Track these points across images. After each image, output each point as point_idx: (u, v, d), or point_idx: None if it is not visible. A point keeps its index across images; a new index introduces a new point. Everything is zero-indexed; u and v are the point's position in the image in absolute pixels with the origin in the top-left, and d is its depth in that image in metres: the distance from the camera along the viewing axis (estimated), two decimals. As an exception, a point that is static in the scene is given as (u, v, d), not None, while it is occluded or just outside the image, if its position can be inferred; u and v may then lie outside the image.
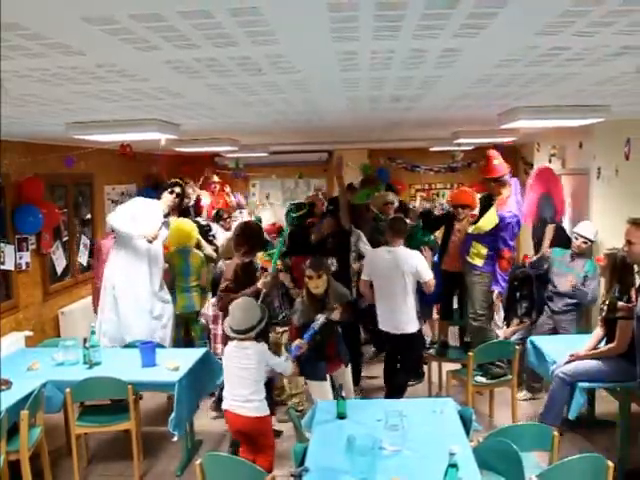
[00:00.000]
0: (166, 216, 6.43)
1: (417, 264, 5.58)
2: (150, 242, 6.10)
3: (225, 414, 4.32)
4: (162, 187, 6.59)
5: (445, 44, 2.54)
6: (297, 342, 4.55)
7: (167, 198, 6.44)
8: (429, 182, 12.40)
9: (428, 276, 5.58)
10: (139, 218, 6.11)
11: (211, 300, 6.08)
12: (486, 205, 6.04)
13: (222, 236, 7.58)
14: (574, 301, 6.08)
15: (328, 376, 4.93)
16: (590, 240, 6.13)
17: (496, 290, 5.89)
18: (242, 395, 4.16)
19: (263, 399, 4.25)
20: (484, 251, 5.93)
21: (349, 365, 5.14)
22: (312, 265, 4.81)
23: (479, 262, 5.96)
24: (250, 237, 5.22)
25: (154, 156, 9.67)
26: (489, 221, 5.87)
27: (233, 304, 4.34)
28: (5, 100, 3.48)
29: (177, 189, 6.49)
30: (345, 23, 2.14)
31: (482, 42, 2.48)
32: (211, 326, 6.18)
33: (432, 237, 7.19)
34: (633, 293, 4.44)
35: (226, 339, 4.78)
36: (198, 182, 9.93)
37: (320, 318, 4.61)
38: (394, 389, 5.83)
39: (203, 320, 6.34)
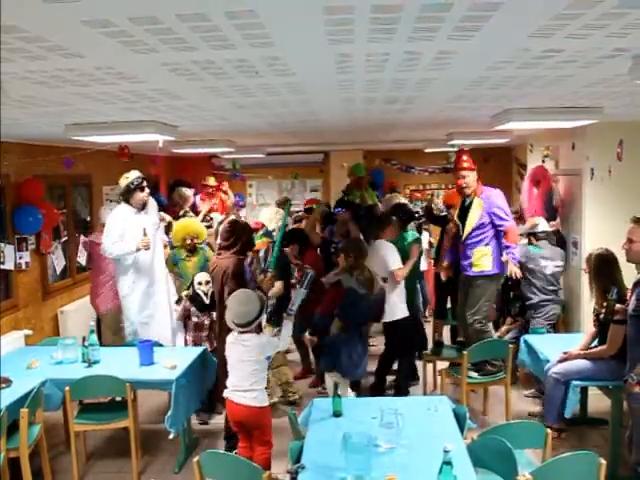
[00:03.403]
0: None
1: (384, 254, 5.96)
2: (147, 249, 6.07)
3: (226, 403, 4.41)
4: (128, 188, 6.20)
5: (439, 47, 2.57)
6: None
7: (140, 197, 6.20)
8: (424, 183, 12.47)
9: (394, 266, 5.96)
10: (126, 233, 6.08)
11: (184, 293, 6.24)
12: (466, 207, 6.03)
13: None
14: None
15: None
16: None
17: (509, 257, 5.66)
18: (242, 385, 4.27)
19: (263, 389, 4.36)
20: (487, 250, 5.78)
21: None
22: None
23: (488, 265, 5.77)
24: (241, 236, 5.21)
25: (152, 157, 9.69)
26: (474, 214, 5.82)
27: (232, 297, 4.38)
28: (5, 102, 3.51)
29: (145, 183, 6.26)
30: (340, 26, 2.17)
31: (476, 44, 2.52)
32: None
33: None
34: (628, 293, 4.46)
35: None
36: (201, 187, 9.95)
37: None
38: (396, 387, 6.04)
39: None
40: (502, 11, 2.02)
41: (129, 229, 6.08)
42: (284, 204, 8.44)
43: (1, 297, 6.37)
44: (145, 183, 6.27)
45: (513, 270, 5.64)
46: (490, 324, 6.01)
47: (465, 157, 5.93)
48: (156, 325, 6.25)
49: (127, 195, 6.22)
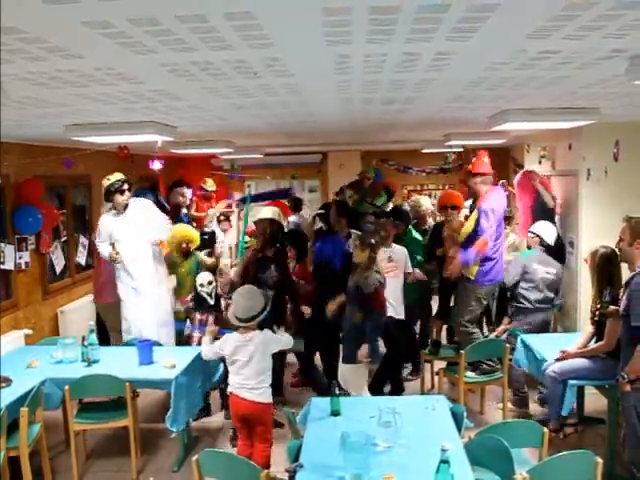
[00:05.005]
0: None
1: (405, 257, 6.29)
2: (115, 263, 6.09)
3: (230, 397, 4.46)
4: (108, 190, 6.15)
5: (437, 47, 2.58)
6: None
7: (119, 200, 6.12)
8: (421, 183, 12.49)
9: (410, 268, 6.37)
10: (113, 236, 6.12)
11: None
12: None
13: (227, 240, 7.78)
14: None
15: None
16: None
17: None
18: (249, 383, 4.32)
19: (269, 386, 4.41)
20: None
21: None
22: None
23: (472, 273, 5.91)
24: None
25: (151, 157, 9.70)
26: (469, 224, 5.96)
27: (236, 293, 4.46)
28: (5, 103, 3.52)
29: (126, 186, 6.19)
30: (339, 27, 2.18)
31: (474, 45, 2.53)
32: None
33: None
34: (621, 292, 4.48)
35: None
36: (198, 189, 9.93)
37: None
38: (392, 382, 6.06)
39: None
40: (500, 12, 2.03)
41: (114, 233, 6.13)
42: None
43: (1, 297, 6.38)
44: (126, 186, 6.18)
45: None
46: (476, 327, 6.04)
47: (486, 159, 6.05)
48: (152, 326, 6.26)
49: (107, 197, 6.19)
